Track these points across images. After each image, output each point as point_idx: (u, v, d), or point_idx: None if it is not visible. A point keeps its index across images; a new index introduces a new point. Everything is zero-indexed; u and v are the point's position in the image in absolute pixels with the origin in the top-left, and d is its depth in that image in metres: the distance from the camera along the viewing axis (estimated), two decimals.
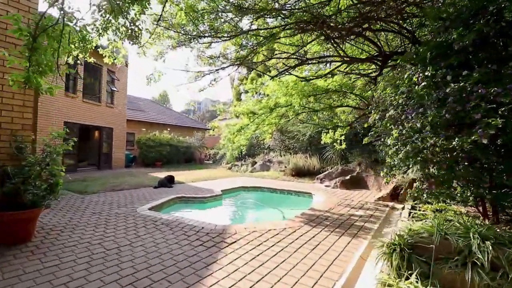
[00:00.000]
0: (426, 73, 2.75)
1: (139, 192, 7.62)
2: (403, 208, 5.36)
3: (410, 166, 2.94)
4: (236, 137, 6.96)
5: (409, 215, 4.52)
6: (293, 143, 14.27)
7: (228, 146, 7.25)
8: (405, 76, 3.14)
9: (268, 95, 7.24)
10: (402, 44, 4.89)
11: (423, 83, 2.77)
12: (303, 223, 4.76)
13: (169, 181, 8.95)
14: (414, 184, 6.61)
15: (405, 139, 2.98)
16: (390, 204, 6.61)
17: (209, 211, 6.82)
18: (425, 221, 2.91)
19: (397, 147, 3.06)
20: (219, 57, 5.12)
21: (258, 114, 6.99)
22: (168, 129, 20.50)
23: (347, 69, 6.29)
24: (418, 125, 2.78)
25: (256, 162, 15.17)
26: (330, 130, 8.57)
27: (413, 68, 3.15)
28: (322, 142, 9.03)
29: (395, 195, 7.10)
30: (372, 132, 3.78)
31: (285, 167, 12.38)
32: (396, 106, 3.14)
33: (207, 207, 6.96)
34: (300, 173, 11.44)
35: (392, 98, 3.30)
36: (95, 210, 5.50)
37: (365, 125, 4.08)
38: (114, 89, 14.71)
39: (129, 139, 19.32)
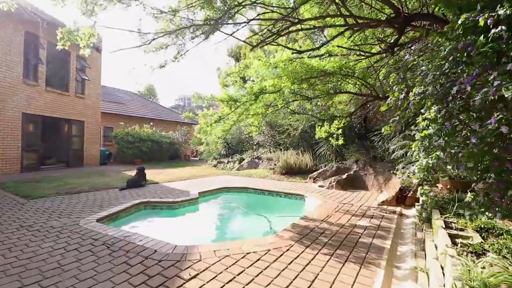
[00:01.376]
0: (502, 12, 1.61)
1: (99, 195, 6.34)
2: (421, 221, 4.28)
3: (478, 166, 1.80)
4: (213, 129, 5.76)
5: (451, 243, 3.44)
6: (283, 138, 13.14)
7: (203, 139, 6.05)
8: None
9: (253, 80, 6.05)
10: (423, 4, 3.78)
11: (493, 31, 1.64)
12: (293, 240, 3.62)
13: (139, 179, 7.67)
14: (425, 187, 5.59)
15: (457, 126, 1.85)
16: (397, 209, 5.56)
17: (178, 220, 5.62)
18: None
19: (442, 137, 1.92)
20: (180, 15, 3.86)
21: (241, 101, 5.79)
22: (151, 124, 19.06)
23: (350, 41, 5.12)
24: None
25: (243, 159, 13.98)
26: (325, 123, 7.46)
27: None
28: (316, 137, 7.92)
29: (401, 199, 6.06)
30: (397, 118, 2.62)
31: (275, 164, 11.25)
32: (438, 76, 1.99)
33: (178, 214, 5.75)
34: (291, 171, 10.34)
35: (430, 67, 2.16)
36: (26, 222, 4.22)
37: (382, 109, 2.92)
38: (85, 77, 13.18)
39: (107, 134, 17.82)
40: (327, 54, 5.31)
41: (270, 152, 13.63)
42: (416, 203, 5.78)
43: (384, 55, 5.53)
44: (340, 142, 7.44)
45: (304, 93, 6.01)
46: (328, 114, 6.82)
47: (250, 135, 8.85)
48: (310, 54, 5.49)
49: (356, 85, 6.02)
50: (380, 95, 5.55)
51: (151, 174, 10.81)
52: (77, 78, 12.97)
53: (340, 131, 7.38)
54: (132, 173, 10.72)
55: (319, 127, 7.56)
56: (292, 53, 5.20)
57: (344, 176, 8.20)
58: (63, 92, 12.03)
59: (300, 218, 4.71)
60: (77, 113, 12.90)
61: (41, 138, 11.64)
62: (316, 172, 9.22)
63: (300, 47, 5.33)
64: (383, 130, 2.89)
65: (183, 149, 20.70)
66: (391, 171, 7.92)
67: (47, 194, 6.27)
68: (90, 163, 13.70)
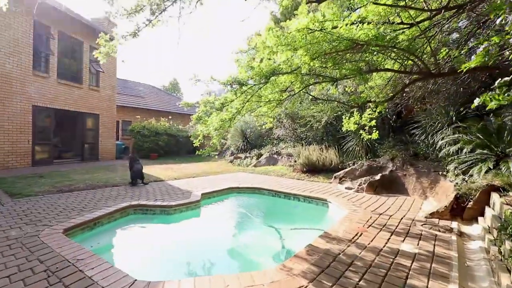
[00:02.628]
0: None
1: (90, 194, 5.63)
2: (502, 254, 2.91)
3: None
4: (212, 118, 4.70)
5: None
6: (305, 131, 11.81)
7: (198, 130, 5.04)
8: None
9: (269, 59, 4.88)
10: None
11: None
12: (306, 277, 2.48)
13: (136, 177, 6.91)
14: (495, 196, 4.10)
15: None
16: (453, 225, 4.16)
17: (169, 230, 4.69)
18: None
19: None
20: None
21: (246, 85, 4.66)
22: (169, 117, 18.62)
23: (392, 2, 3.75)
24: None
25: (261, 155, 12.90)
26: (355, 112, 6.10)
27: None
28: (343, 130, 6.60)
29: (457, 210, 4.60)
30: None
31: (295, 161, 10.02)
32: None
33: (172, 221, 4.83)
34: (313, 169, 9.06)
35: None
36: None
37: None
38: (99, 69, 12.82)
39: (126, 128, 17.66)
40: (359, 21, 3.98)
41: (292, 147, 12.40)
42: (480, 217, 4.33)
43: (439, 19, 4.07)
44: (375, 136, 6.05)
45: (328, 73, 4.72)
46: (361, 99, 5.42)
47: (264, 127, 7.71)
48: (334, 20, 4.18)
49: (398, 61, 4.60)
50: (434, 71, 4.12)
51: (161, 169, 10.15)
52: (91, 70, 12.63)
53: (373, 122, 5.99)
54: (149, 167, 10.02)
55: (347, 117, 6.22)
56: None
57: (378, 177, 6.79)
58: (76, 84, 11.71)
59: (320, 236, 3.52)
60: (91, 106, 12.60)
61: (55, 132, 11.47)
62: (342, 171, 7.87)
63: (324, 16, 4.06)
64: (490, 105, 1.62)
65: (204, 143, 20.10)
66: (439, 172, 6.37)
67: (38, 192, 5.68)
68: (105, 157, 13.44)
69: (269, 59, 4.35)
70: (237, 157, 13.76)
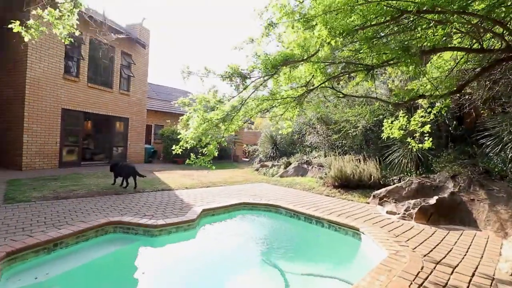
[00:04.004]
0: None
1: (83, 203, 5.05)
2: None
3: None
4: (194, 119, 3.74)
5: None
6: (339, 139, 10.27)
7: (182, 134, 4.12)
8: None
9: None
10: None
11: None
12: None
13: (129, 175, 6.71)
14: None
15: None
16: None
17: (151, 257, 3.79)
18: None
19: None
20: None
21: (250, 78, 3.61)
22: None
23: None
24: None
25: (290, 164, 11.61)
26: (401, 114, 4.62)
27: None
28: (384, 138, 5.12)
29: None
30: None
31: (325, 173, 8.58)
32: None
33: (156, 245, 3.94)
34: (347, 183, 7.54)
35: None
36: None
37: None
38: (130, 74, 12.95)
39: (158, 132, 17.85)
40: None
41: (325, 156, 10.92)
42: None
43: None
44: (427, 145, 4.48)
45: (361, 55, 3.42)
46: (410, 94, 3.93)
47: (281, 132, 6.55)
48: None
49: (467, 37, 3.12)
50: None
51: (179, 176, 9.56)
52: (122, 75, 12.81)
53: (427, 127, 4.45)
54: (166, 174, 9.61)
55: (389, 121, 4.75)
56: None
57: (432, 201, 5.13)
58: (106, 89, 11.89)
59: None
60: (121, 110, 12.72)
61: (85, 134, 11.73)
62: (384, 189, 6.27)
63: None
64: None
65: (233, 148, 19.50)
66: None
67: (34, 197, 5.30)
68: (134, 160, 13.45)
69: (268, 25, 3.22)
70: (264, 165, 12.67)
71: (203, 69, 3.72)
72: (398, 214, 5.24)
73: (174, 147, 4.14)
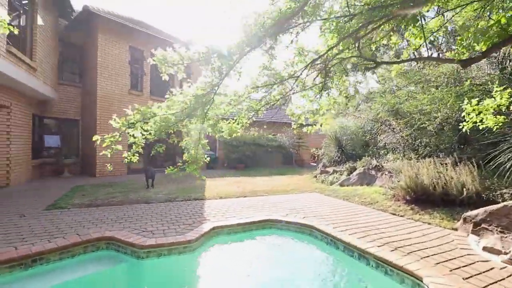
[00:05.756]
0: None
1: (107, 212, 5.01)
2: None
3: None
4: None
5: None
6: (419, 136, 7.87)
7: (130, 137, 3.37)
8: None
9: None
10: None
11: None
12: None
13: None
14: None
15: None
16: None
17: (130, 285, 3.18)
18: None
19: None
20: None
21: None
22: (264, 127, 17.92)
23: None
24: None
25: (355, 169, 9.67)
26: (496, 88, 2.74)
27: None
28: (486, 131, 3.17)
29: None
30: None
31: (394, 182, 6.52)
32: None
33: (143, 270, 3.33)
34: (425, 197, 5.43)
35: None
36: None
37: None
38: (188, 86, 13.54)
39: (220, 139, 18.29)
40: None
41: (403, 159, 8.60)
42: None
43: None
44: None
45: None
46: (492, 34, 2.16)
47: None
48: None
49: None
50: None
51: (225, 183, 9.13)
52: (181, 86, 13.48)
53: None
54: (218, 181, 9.38)
55: (472, 102, 2.90)
56: None
57: None
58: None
59: None
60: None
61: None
62: (483, 210, 4.08)
63: None
64: None
65: (297, 153, 18.24)
66: None
67: (72, 204, 5.61)
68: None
69: None
70: (324, 171, 11.03)
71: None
72: (505, 254, 3.16)
73: (104, 152, 3.42)
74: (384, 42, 3.22)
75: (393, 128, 10.58)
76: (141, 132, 3.27)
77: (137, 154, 3.52)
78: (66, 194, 6.64)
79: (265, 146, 15.87)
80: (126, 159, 3.29)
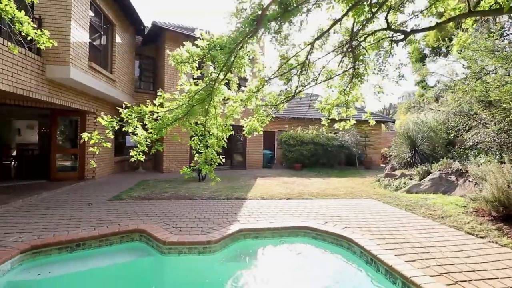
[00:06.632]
0: None
1: (155, 206, 5.45)
2: None
3: None
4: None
5: None
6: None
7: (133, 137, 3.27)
8: None
9: None
10: None
11: None
12: None
13: None
14: None
15: None
16: None
17: (150, 279, 3.28)
18: None
19: None
20: None
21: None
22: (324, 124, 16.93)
23: None
24: None
25: (429, 173, 8.06)
26: None
27: None
28: None
29: None
30: None
31: (476, 191, 5.08)
32: None
33: (164, 265, 3.42)
34: None
35: None
36: None
37: None
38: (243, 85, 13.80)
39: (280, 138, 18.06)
40: None
41: (501, 163, 6.75)
42: None
43: None
44: None
45: None
46: None
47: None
48: None
49: None
50: None
51: (277, 183, 8.98)
52: (240, 88, 13.84)
53: None
54: (269, 180, 9.26)
55: None
56: None
57: None
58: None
59: None
60: (238, 118, 13.72)
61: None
62: None
63: None
64: None
65: (364, 153, 16.52)
66: None
67: (131, 197, 6.30)
68: (252, 165, 14.18)
69: None
70: (390, 175, 9.60)
71: None
72: None
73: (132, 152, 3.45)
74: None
75: (485, 123, 8.45)
76: (142, 132, 3.28)
77: (142, 154, 3.57)
78: (131, 188, 7.56)
79: (325, 145, 14.89)
80: (133, 158, 3.44)
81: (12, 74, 5.17)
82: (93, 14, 8.18)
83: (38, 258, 3.31)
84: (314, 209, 5.55)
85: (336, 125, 4.54)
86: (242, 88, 4.26)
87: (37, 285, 2.97)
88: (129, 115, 3.00)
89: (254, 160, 14.35)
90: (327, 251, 3.91)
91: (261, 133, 4.68)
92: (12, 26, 2.55)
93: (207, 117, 3.51)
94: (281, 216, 4.93)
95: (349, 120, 4.17)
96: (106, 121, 2.86)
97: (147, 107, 3.11)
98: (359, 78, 3.35)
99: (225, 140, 4.08)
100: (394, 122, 21.46)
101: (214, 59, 2.84)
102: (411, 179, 8.46)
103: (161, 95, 3.48)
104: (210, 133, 3.83)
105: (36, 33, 2.74)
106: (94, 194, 6.61)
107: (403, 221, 4.72)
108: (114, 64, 9.56)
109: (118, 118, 3.06)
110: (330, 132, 15.89)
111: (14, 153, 10.94)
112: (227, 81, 3.76)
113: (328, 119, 4.63)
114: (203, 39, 3.04)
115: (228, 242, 3.86)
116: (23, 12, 2.52)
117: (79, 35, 6.83)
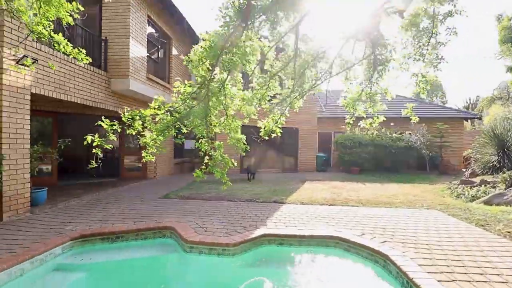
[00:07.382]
0: None
1: (189, 205, 5.76)
2: None
3: None
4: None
5: None
6: None
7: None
8: None
9: None
10: None
11: None
12: None
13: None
14: None
15: None
16: None
17: (167, 279, 3.43)
18: None
19: None
20: None
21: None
22: (391, 124, 15.24)
23: None
24: None
25: None
26: None
27: None
28: None
29: None
30: None
31: None
32: None
33: (185, 263, 3.56)
34: None
35: None
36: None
37: None
38: None
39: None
40: None
41: None
42: None
43: None
44: None
45: None
46: None
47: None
48: None
49: None
50: None
51: (325, 188, 8.49)
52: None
53: None
54: (320, 183, 8.85)
55: None
56: None
57: None
58: None
59: None
60: (289, 121, 13.45)
61: (257, 146, 13.59)
62: None
63: None
64: None
65: (440, 156, 14.18)
66: None
67: (177, 196, 6.81)
68: (304, 168, 13.73)
69: None
70: (466, 181, 7.96)
71: None
72: None
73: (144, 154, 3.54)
74: None
75: None
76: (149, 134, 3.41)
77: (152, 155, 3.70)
78: (182, 187, 8.18)
79: (388, 147, 13.36)
80: (144, 159, 3.62)
81: (83, 88, 6.21)
82: (153, 31, 9.22)
83: (86, 246, 3.84)
84: (356, 218, 4.98)
85: (361, 123, 3.99)
86: (252, 85, 4.13)
87: (80, 269, 3.43)
88: (129, 118, 3.22)
89: (307, 163, 13.86)
90: (358, 266, 3.43)
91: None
92: (53, 47, 3.10)
93: (207, 117, 3.49)
94: (314, 223, 4.58)
95: (378, 117, 3.59)
96: (106, 124, 3.12)
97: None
98: (382, 67, 2.83)
99: (244, 142, 4.00)
100: (480, 118, 17.86)
101: (207, 59, 2.81)
102: (493, 187, 6.83)
103: (157, 99, 3.64)
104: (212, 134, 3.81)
105: (76, 51, 3.23)
106: (149, 192, 7.38)
107: (466, 239, 3.81)
108: (171, 74, 10.57)
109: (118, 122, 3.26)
110: (395, 132, 14.20)
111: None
112: (232, 81, 3.69)
113: (353, 117, 4.04)
114: (203, 39, 3.06)
115: (250, 247, 3.77)
116: (60, 34, 3.02)
117: (137, 50, 7.77)
